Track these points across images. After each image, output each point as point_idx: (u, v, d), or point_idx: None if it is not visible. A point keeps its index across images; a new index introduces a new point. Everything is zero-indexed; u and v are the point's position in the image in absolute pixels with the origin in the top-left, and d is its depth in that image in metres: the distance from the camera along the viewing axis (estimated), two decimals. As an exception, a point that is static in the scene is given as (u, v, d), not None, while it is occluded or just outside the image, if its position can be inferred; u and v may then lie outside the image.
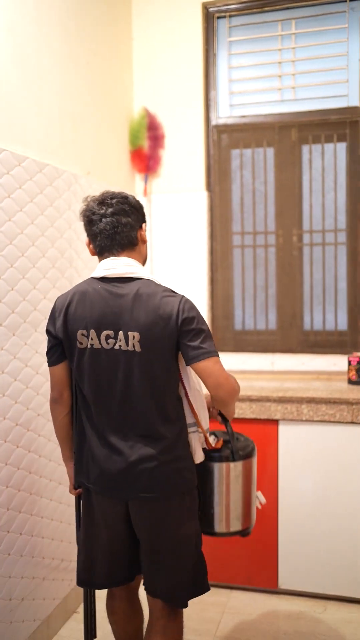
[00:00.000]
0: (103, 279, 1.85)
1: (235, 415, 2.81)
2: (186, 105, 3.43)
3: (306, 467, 2.78)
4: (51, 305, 2.48)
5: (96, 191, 2.91)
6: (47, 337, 1.93)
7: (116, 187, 3.19)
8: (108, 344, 1.79)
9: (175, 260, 3.45)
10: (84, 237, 2.77)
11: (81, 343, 1.82)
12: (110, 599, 2.11)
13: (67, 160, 2.69)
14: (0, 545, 2.20)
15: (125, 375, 1.80)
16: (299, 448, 2.78)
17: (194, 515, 1.93)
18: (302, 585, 2.83)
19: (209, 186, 3.49)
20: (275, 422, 2.80)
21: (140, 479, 1.82)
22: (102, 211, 1.86)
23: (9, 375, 2.24)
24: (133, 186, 3.49)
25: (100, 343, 1.80)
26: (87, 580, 2.02)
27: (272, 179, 3.42)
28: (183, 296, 1.83)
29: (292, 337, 3.43)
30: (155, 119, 3.44)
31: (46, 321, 2.43)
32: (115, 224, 1.86)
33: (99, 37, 3.04)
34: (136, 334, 1.76)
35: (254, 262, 3.48)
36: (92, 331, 1.80)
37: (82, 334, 1.81)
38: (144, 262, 1.96)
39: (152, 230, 3.50)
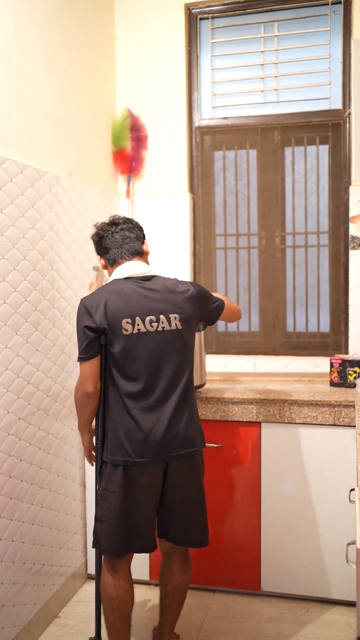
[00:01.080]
0: (128, 279, 2.21)
1: (218, 417, 2.82)
2: (169, 106, 3.42)
3: (288, 469, 2.78)
4: (32, 308, 2.48)
5: (78, 192, 2.92)
6: (83, 334, 2.13)
7: (98, 189, 3.18)
8: (152, 327, 2.14)
9: (158, 262, 3.43)
10: (65, 238, 2.79)
11: (126, 330, 2.12)
12: (112, 574, 2.23)
13: (49, 161, 2.66)
14: (-20, 551, 2.18)
15: (172, 349, 2.16)
16: (282, 450, 2.79)
17: (204, 471, 2.34)
18: (284, 587, 2.83)
19: (192, 188, 3.48)
20: (257, 424, 2.80)
21: (182, 438, 2.15)
22: (112, 229, 2.30)
23: (-12, 378, 2.23)
24: (116, 187, 3.48)
25: (145, 327, 2.13)
26: (125, 548, 2.20)
27: (254, 180, 3.43)
28: (190, 282, 2.32)
29: (274, 339, 3.44)
30: (139, 120, 3.43)
31: (27, 324, 2.44)
32: (124, 236, 2.28)
33: (81, 37, 3.02)
34: (176, 315, 2.17)
35: (237, 264, 3.48)
36: (137, 318, 2.12)
37: (127, 322, 2.12)
38: None
39: (134, 231, 3.48)
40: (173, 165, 3.45)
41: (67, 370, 2.83)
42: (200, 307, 2.28)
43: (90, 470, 3.00)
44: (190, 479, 2.23)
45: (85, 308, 2.14)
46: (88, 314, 2.13)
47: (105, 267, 2.34)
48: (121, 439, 2.13)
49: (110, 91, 3.42)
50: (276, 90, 3.38)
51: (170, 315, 2.17)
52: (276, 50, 3.35)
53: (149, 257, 2.45)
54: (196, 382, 2.81)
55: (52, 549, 2.70)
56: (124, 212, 3.47)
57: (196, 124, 3.46)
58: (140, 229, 2.36)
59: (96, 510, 2.25)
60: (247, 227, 3.45)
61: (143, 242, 2.33)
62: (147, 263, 2.35)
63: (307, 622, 2.68)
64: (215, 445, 2.82)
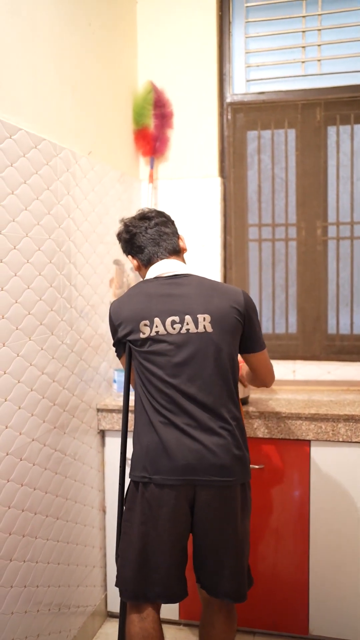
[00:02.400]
0: (156, 278, 1.95)
1: (261, 435, 2.45)
2: (197, 79, 3.03)
3: (343, 496, 2.40)
4: (48, 308, 2.11)
5: (98, 174, 2.53)
6: (112, 336, 1.99)
7: (118, 172, 2.79)
8: (174, 329, 1.85)
9: (185, 255, 3.04)
10: (84, 227, 2.40)
11: (143, 333, 1.87)
12: (140, 622, 1.89)
13: (66, 136, 2.27)
14: (-12, 604, 1.80)
15: (196, 354, 1.84)
16: (335, 474, 2.40)
17: (250, 510, 1.96)
18: (336, 631, 2.44)
19: (223, 172, 3.09)
20: (306, 443, 2.42)
21: (213, 464, 1.81)
22: (145, 224, 2.01)
23: (-2, 394, 1.84)
24: (136, 171, 3.08)
25: (166, 329, 1.85)
26: (141, 592, 1.87)
27: (293, 164, 3.03)
28: (241, 290, 1.96)
29: (315, 342, 3.05)
30: (163, 94, 3.03)
31: (42, 327, 2.07)
32: (160, 233, 2.01)
33: (100, -3, 2.62)
34: (207, 316, 1.85)
35: (273, 258, 3.09)
36: (157, 319, 1.86)
37: (145, 324, 1.87)
38: None
39: (157, 221, 3.09)
40: (201, 146, 3.05)
41: (86, 380, 2.45)
42: (244, 325, 1.93)
43: (111, 494, 2.62)
44: (223, 514, 1.86)
45: (110, 315, 1.98)
46: (112, 321, 1.97)
47: (138, 268, 2.07)
48: (141, 452, 1.88)
49: (131, 61, 3.02)
50: (319, 60, 2.98)
51: (199, 315, 1.86)
52: (319, 14, 2.95)
53: (186, 255, 2.16)
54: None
55: (69, 589, 2.32)
56: (145, 198, 3.08)
57: (228, 100, 3.06)
58: (173, 222, 2.10)
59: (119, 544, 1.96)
60: (285, 217, 3.06)
61: (179, 238, 2.07)
62: (184, 262, 2.08)
63: (366, 674, 2.30)
64: (257, 467, 2.44)
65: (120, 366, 2.64)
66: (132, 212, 2.93)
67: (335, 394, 2.75)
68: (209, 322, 1.85)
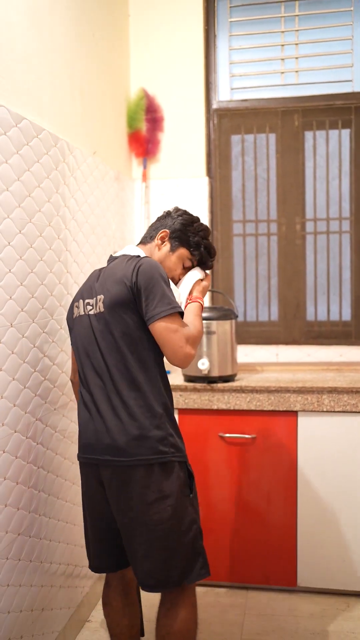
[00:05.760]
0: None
1: (252, 407, 2.70)
2: (186, 87, 3.29)
3: (327, 459, 2.68)
4: (65, 291, 2.32)
5: (101, 173, 2.77)
6: None
7: (115, 171, 3.03)
8: (86, 310, 1.92)
9: (156, 247, 3.30)
10: (91, 220, 2.64)
11: (73, 313, 1.98)
12: (105, 588, 2.07)
13: (76, 136, 2.51)
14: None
15: (98, 335, 1.86)
16: (320, 440, 2.68)
17: (181, 493, 1.84)
18: (322, 582, 2.72)
19: (210, 172, 3.36)
20: (294, 413, 2.70)
21: (107, 444, 1.81)
22: (163, 214, 2.12)
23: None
24: (130, 171, 3.33)
25: (83, 310, 1.93)
26: (90, 563, 2.02)
27: (274, 165, 3.33)
28: (142, 260, 1.87)
29: (295, 328, 3.34)
30: (154, 100, 3.29)
31: (61, 308, 2.28)
32: (152, 226, 2.10)
33: (99, 9, 2.86)
34: (101, 297, 1.87)
35: (256, 252, 3.37)
36: (81, 301, 1.95)
37: (76, 306, 1.97)
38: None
39: (150, 218, 3.35)
40: (190, 149, 3.32)
41: (67, 371, 2.58)
42: (135, 300, 1.81)
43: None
44: (124, 496, 1.81)
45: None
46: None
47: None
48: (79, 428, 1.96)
49: (125, 70, 3.28)
50: (297, 72, 3.29)
51: (98, 296, 1.88)
52: (297, 30, 3.26)
53: (159, 249, 2.04)
54: (227, 373, 2.79)
55: (82, 549, 2.53)
56: (139, 197, 3.33)
57: (214, 106, 3.34)
58: (178, 216, 2.05)
59: None
60: (267, 213, 3.35)
61: (162, 232, 2.02)
62: (150, 251, 2.03)
63: (350, 617, 2.58)
64: (249, 436, 2.71)
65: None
66: (127, 209, 3.19)
67: (316, 372, 3.04)
68: (102, 302, 1.86)
